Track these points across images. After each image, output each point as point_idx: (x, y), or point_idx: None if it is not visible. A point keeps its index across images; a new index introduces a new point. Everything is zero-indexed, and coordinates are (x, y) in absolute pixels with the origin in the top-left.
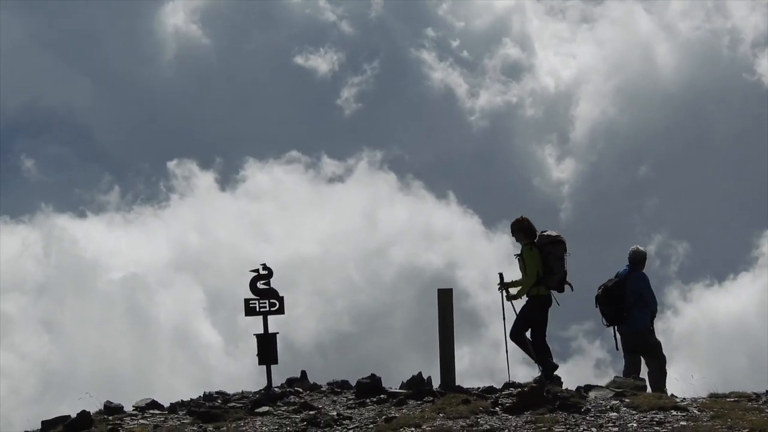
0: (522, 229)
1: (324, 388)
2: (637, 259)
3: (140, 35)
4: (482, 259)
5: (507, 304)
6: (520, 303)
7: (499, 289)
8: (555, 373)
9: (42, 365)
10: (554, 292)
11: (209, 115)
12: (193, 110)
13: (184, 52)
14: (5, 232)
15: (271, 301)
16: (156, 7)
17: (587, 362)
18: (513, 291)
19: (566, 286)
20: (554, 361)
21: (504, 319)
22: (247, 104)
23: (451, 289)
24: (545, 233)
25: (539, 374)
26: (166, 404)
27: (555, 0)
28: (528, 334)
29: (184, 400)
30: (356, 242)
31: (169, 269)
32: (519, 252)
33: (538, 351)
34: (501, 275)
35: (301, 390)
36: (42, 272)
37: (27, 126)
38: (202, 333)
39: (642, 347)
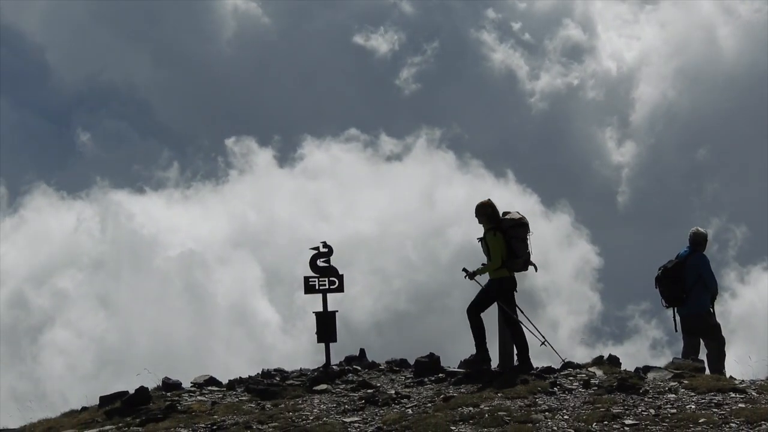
0: (485, 214)
1: (382, 367)
2: (698, 240)
3: (200, 13)
4: (541, 239)
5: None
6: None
7: (470, 276)
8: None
9: (98, 342)
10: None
11: (268, 94)
12: (251, 88)
13: (244, 31)
14: (62, 208)
15: (331, 279)
16: None
17: (644, 342)
18: (477, 275)
19: (531, 267)
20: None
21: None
22: (305, 83)
23: None
24: (508, 215)
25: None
26: (224, 381)
27: None
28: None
29: (242, 377)
30: (414, 221)
31: (226, 246)
32: (482, 236)
33: (516, 336)
34: (465, 270)
35: (359, 368)
36: (99, 248)
37: (86, 101)
38: (260, 310)
39: (702, 329)
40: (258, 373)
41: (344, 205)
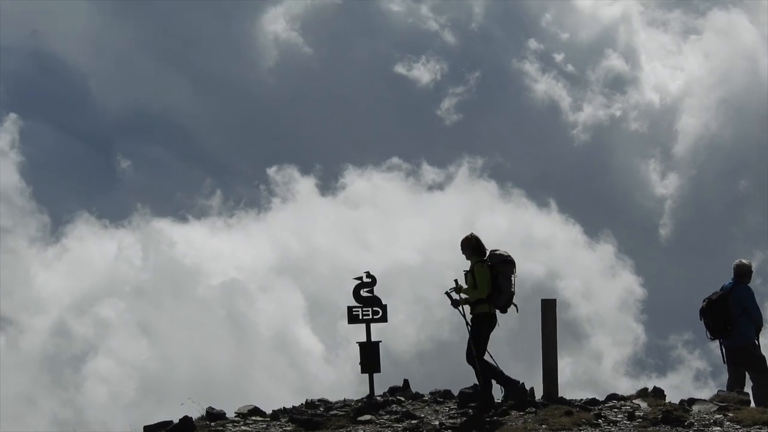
0: (470, 247)
1: (426, 398)
2: (742, 271)
3: (241, 42)
4: (584, 269)
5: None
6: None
7: (451, 297)
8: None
9: (141, 371)
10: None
11: (309, 122)
12: (293, 117)
13: (286, 59)
14: (104, 236)
15: (375, 309)
16: (256, 14)
17: (687, 373)
18: (457, 296)
19: (512, 307)
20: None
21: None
22: (347, 111)
23: (555, 300)
24: (496, 252)
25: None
26: (268, 411)
27: (656, 11)
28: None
29: (286, 407)
30: (456, 250)
31: (269, 274)
32: (468, 269)
33: (479, 374)
34: (456, 281)
35: (403, 399)
36: (141, 277)
37: (128, 129)
38: (302, 339)
39: (747, 361)
40: (302, 403)
41: (386, 233)
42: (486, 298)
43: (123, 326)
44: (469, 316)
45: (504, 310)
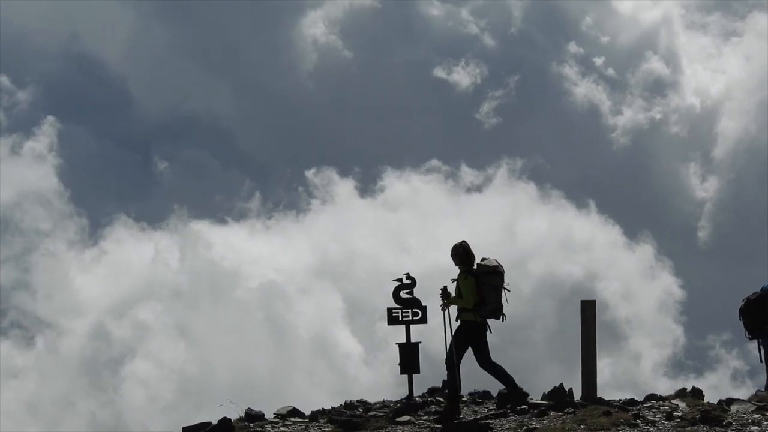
0: (458, 255)
1: (465, 398)
2: None
3: (280, 45)
4: (623, 271)
5: (452, 322)
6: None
7: (442, 307)
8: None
9: (179, 373)
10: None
11: (347, 125)
12: (331, 120)
13: (325, 63)
14: (143, 239)
15: (414, 310)
16: (296, 17)
17: (725, 372)
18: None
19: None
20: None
21: (447, 332)
22: (385, 115)
23: (594, 301)
24: (484, 261)
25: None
26: (307, 412)
27: (697, 14)
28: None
29: (325, 408)
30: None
31: (308, 276)
32: (456, 277)
33: (494, 373)
34: (445, 288)
35: (442, 400)
36: (179, 279)
37: (167, 131)
38: (341, 341)
39: None
40: (341, 405)
41: (425, 236)
42: (471, 308)
43: (161, 329)
44: (456, 323)
45: (497, 317)
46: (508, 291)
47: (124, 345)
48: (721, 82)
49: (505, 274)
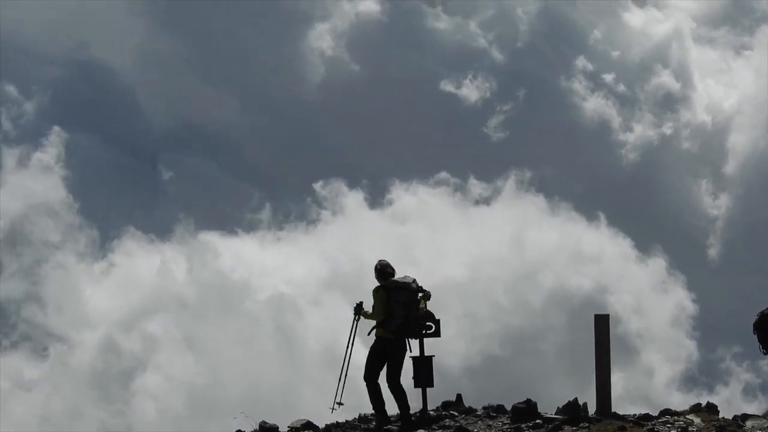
0: (375, 271)
1: (479, 412)
2: None
3: (288, 57)
4: (635, 284)
5: (354, 336)
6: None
7: (355, 318)
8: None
9: (189, 386)
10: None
11: (355, 138)
12: (339, 132)
13: (333, 76)
14: (152, 251)
15: (428, 324)
16: (303, 30)
17: (736, 386)
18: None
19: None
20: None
21: (349, 344)
22: (392, 127)
23: (608, 315)
24: (395, 278)
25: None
26: (321, 425)
27: (706, 28)
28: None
29: (339, 422)
30: (504, 265)
31: (318, 288)
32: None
33: (394, 393)
34: (360, 303)
35: (456, 414)
36: (188, 291)
37: (175, 142)
38: (353, 354)
39: None
40: (354, 418)
41: (434, 248)
42: (381, 321)
43: (171, 342)
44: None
45: (412, 335)
46: (423, 308)
47: (133, 358)
48: (732, 97)
49: (430, 295)
